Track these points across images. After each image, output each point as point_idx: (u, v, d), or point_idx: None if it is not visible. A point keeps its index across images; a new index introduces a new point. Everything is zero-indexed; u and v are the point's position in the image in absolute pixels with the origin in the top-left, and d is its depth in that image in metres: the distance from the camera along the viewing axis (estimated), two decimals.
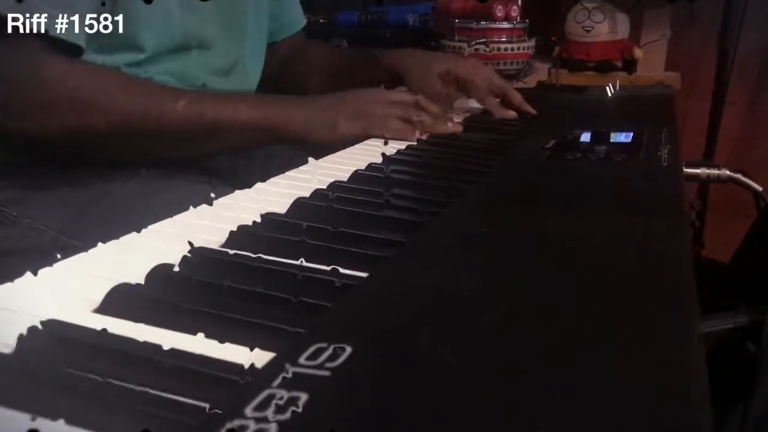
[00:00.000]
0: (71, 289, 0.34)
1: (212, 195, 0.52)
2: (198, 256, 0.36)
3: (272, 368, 0.23)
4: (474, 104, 1.03)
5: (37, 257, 0.42)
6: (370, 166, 0.60)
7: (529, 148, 0.64)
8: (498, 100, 0.95)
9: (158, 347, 0.26)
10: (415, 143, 0.74)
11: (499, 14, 1.62)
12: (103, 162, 0.75)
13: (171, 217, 0.47)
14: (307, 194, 0.51)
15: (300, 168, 0.62)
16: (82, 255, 0.39)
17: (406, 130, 0.76)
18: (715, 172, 0.59)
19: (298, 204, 0.48)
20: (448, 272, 0.34)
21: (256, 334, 0.28)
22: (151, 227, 0.45)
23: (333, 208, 0.47)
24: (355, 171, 0.57)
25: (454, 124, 0.80)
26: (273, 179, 0.58)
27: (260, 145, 0.84)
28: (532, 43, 1.63)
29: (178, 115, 0.71)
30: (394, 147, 0.72)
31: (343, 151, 0.71)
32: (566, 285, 0.33)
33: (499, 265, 0.34)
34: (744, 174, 0.58)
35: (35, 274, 0.36)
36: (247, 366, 0.25)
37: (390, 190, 0.52)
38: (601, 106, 0.98)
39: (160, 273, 0.34)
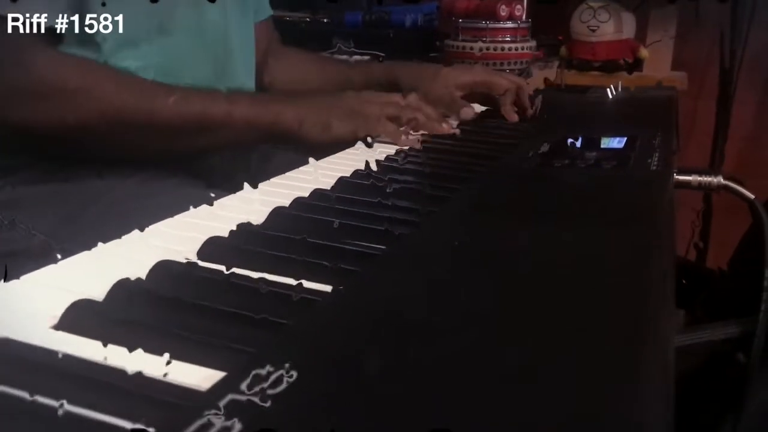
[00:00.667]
0: (34, 303, 0.34)
1: (212, 195, 0.52)
2: (163, 270, 0.36)
3: (213, 393, 0.23)
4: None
5: (26, 261, 0.42)
6: (357, 173, 0.59)
7: (520, 154, 0.63)
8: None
9: (103, 366, 0.26)
10: (406, 147, 0.73)
11: (503, 14, 1.61)
12: (94, 165, 0.75)
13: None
14: (303, 195, 0.50)
15: (299, 169, 0.61)
16: (51, 267, 0.39)
17: (397, 134, 0.75)
18: (707, 179, 0.58)
19: (276, 213, 0.47)
20: (412, 290, 0.33)
21: (208, 355, 0.27)
22: (126, 237, 0.44)
23: (311, 218, 0.47)
24: (340, 178, 0.56)
25: (449, 125, 0.79)
26: (263, 184, 0.57)
27: (253, 143, 0.84)
28: (533, 43, 1.62)
29: (168, 110, 0.71)
30: (386, 150, 0.71)
31: (340, 153, 0.71)
32: (525, 302, 0.32)
33: (462, 283, 0.34)
34: (736, 181, 0.57)
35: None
36: (193, 388, 0.25)
37: (377, 198, 0.51)
38: (600, 109, 0.97)
39: (122, 288, 0.34)
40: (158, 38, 0.79)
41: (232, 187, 0.57)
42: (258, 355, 0.25)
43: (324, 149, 0.75)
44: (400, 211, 0.48)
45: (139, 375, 0.25)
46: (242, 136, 0.76)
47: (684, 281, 0.72)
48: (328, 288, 0.34)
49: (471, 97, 0.97)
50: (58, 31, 0.69)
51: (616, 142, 0.67)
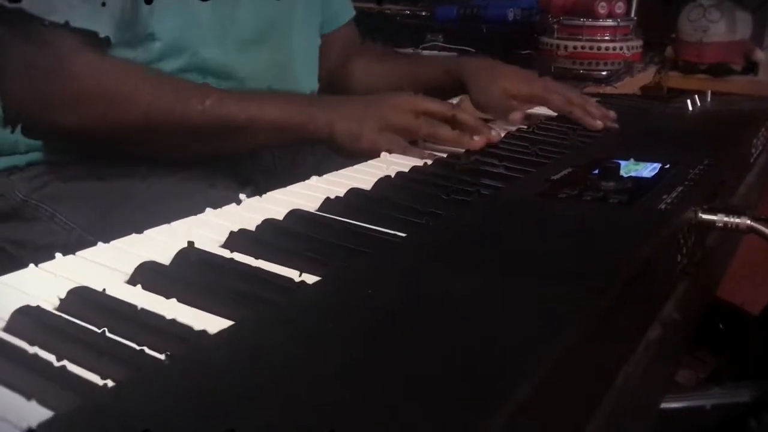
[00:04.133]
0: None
1: (243, 196, 0.53)
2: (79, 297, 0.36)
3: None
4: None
5: (65, 253, 0.44)
6: (353, 191, 0.57)
7: (533, 179, 0.59)
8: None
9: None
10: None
11: (602, 11, 1.52)
12: (133, 162, 0.78)
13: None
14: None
15: (321, 178, 0.62)
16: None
17: (410, 152, 0.72)
18: (734, 220, 0.52)
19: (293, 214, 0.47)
20: (304, 343, 0.31)
21: None
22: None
23: (267, 242, 0.46)
24: (326, 198, 0.55)
25: (482, 138, 0.75)
26: (273, 193, 0.57)
27: (285, 145, 0.84)
28: (636, 42, 1.52)
29: (202, 113, 0.73)
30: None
31: (357, 165, 0.69)
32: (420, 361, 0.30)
33: (354, 340, 0.32)
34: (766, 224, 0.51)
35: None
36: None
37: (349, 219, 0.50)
38: (667, 124, 0.89)
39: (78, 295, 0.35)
40: (221, 41, 0.80)
41: (265, 189, 0.58)
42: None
43: (352, 157, 0.74)
44: (358, 238, 0.46)
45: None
46: (274, 138, 0.77)
47: (721, 326, 0.65)
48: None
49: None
50: (103, 36, 0.71)
51: (648, 170, 0.61)
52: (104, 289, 0.38)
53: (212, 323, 0.35)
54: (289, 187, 0.59)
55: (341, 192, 0.57)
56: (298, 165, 0.92)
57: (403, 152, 0.72)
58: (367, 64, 1.06)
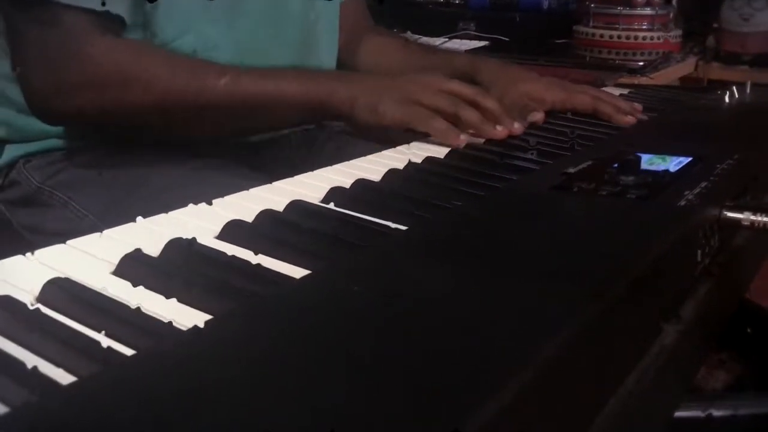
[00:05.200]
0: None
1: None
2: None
3: None
4: None
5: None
6: (360, 182, 0.55)
7: (549, 171, 0.57)
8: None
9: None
10: (460, 145, 0.68)
11: None
12: (147, 150, 0.77)
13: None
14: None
15: (334, 167, 0.60)
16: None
17: (449, 133, 0.70)
18: (762, 219, 0.49)
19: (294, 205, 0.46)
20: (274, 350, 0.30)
21: None
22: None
23: (262, 234, 0.44)
24: (331, 189, 0.53)
25: (507, 129, 0.72)
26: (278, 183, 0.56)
27: (304, 122, 0.82)
28: (675, 32, 1.47)
29: (219, 91, 0.71)
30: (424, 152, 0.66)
31: (371, 156, 0.67)
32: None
33: (324, 346, 0.30)
34: None
35: None
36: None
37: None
38: (701, 117, 0.85)
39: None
40: (231, 18, 0.79)
41: (280, 179, 0.56)
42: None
43: (373, 132, 0.72)
44: (358, 231, 0.44)
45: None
46: (294, 115, 0.75)
47: (749, 330, 0.62)
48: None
49: None
50: (117, 17, 0.70)
51: (674, 164, 0.58)
52: (84, 281, 0.36)
53: (193, 317, 0.34)
54: (297, 177, 0.58)
55: (350, 183, 0.55)
56: (316, 153, 0.91)
57: (426, 127, 0.70)
58: (378, 51, 1.02)
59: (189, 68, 0.72)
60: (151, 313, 0.33)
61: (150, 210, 0.52)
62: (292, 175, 0.58)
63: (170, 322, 0.33)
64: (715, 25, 1.60)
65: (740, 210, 0.50)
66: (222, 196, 0.52)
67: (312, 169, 0.59)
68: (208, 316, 0.33)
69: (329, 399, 0.26)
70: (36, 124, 0.76)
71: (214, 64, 0.74)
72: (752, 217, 0.49)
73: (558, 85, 0.87)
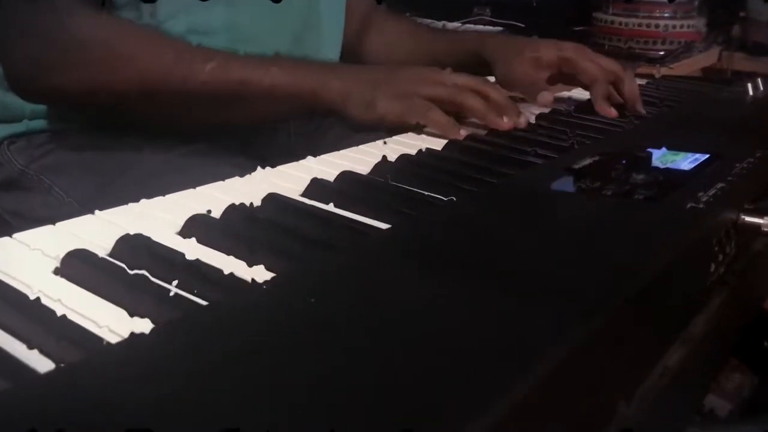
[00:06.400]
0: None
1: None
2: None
3: None
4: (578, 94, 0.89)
5: None
6: (345, 175, 0.51)
7: (553, 166, 0.52)
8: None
9: None
10: (460, 138, 0.64)
11: None
12: (135, 133, 0.73)
13: None
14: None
15: (321, 157, 0.57)
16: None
17: (446, 124, 0.66)
18: None
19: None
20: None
21: None
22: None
23: (228, 231, 0.40)
24: (313, 180, 0.49)
25: (510, 122, 0.68)
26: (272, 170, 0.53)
27: (292, 115, 0.78)
28: (699, 20, 1.40)
29: (205, 77, 0.67)
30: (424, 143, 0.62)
31: (363, 146, 0.63)
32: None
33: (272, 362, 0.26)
34: None
35: None
36: None
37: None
38: (723, 110, 0.80)
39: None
40: (227, 1, 0.75)
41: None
42: None
43: (367, 129, 0.68)
44: (333, 230, 0.40)
45: None
46: (283, 107, 0.71)
47: (767, 344, 0.57)
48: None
49: (570, 82, 0.85)
50: None
51: (689, 162, 0.54)
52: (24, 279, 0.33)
53: (134, 325, 0.30)
54: (280, 167, 0.54)
55: (335, 174, 0.51)
56: (315, 142, 0.87)
57: (423, 119, 0.66)
58: (383, 37, 0.98)
59: (175, 50, 0.69)
60: (80, 321, 0.30)
61: (137, 196, 0.49)
62: (269, 163, 0.55)
63: (106, 326, 0.29)
64: (742, 14, 1.53)
65: (760, 214, 0.45)
66: (208, 182, 0.49)
67: (282, 161, 0.55)
68: (150, 324, 0.30)
69: None
70: (20, 104, 0.73)
71: (203, 48, 0.70)
72: None
73: (568, 45, 0.82)
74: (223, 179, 0.51)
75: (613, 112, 0.76)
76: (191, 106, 0.70)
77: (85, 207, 0.70)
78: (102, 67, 0.67)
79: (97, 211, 0.43)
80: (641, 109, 0.78)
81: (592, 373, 0.29)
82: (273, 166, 0.55)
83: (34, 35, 0.67)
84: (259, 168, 0.54)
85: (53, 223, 0.42)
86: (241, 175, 0.52)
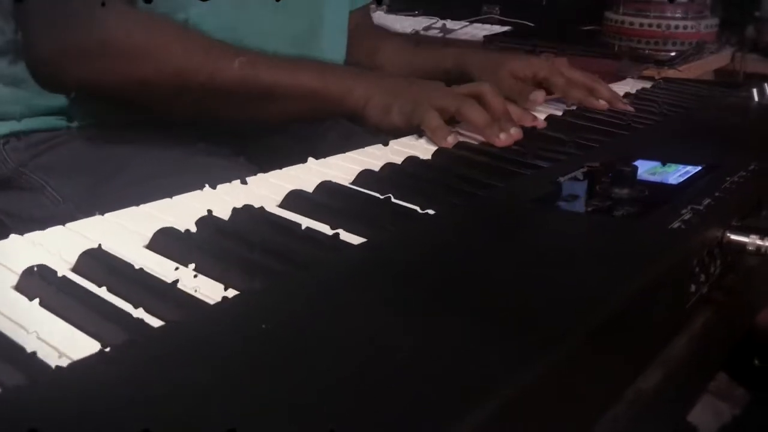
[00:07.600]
0: None
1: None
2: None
3: None
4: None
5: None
6: (324, 185, 0.51)
7: (538, 179, 0.51)
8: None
9: None
10: (446, 146, 0.63)
11: None
12: (132, 133, 0.73)
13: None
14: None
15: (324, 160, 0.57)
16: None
17: (437, 130, 0.65)
18: (766, 244, 0.43)
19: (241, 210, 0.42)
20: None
21: None
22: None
23: (198, 245, 0.40)
24: (290, 192, 0.48)
25: (507, 138, 0.66)
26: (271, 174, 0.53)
27: (315, 117, 0.78)
28: (711, 21, 1.38)
29: (232, 73, 0.68)
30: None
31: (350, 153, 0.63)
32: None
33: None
34: None
35: None
36: None
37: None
38: (724, 117, 0.78)
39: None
40: (230, 1, 0.75)
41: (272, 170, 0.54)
42: None
43: (384, 134, 0.68)
44: (304, 243, 0.40)
45: None
46: (306, 108, 0.71)
47: (757, 361, 0.55)
48: None
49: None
50: None
51: (678, 175, 0.52)
52: None
53: (88, 347, 0.29)
54: (261, 175, 0.54)
55: (316, 183, 0.50)
56: (313, 146, 0.86)
57: (421, 122, 0.66)
58: (365, 50, 0.98)
59: (204, 47, 0.68)
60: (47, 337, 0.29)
61: (131, 197, 0.49)
62: (266, 167, 0.54)
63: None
64: (756, 14, 1.50)
65: (746, 232, 0.44)
66: (196, 186, 0.49)
67: (289, 161, 0.56)
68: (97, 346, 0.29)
69: None
70: (14, 103, 0.73)
71: (230, 45, 0.70)
72: (759, 242, 0.43)
73: (542, 62, 0.84)
74: (220, 181, 0.51)
75: (603, 105, 0.79)
76: (216, 104, 0.70)
77: (79, 207, 0.71)
78: (128, 61, 0.67)
79: (72, 224, 0.42)
80: (625, 106, 0.79)
81: (549, 404, 0.28)
82: (270, 168, 0.55)
83: (59, 22, 0.66)
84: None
85: (47, 222, 0.42)
86: (240, 176, 0.52)
